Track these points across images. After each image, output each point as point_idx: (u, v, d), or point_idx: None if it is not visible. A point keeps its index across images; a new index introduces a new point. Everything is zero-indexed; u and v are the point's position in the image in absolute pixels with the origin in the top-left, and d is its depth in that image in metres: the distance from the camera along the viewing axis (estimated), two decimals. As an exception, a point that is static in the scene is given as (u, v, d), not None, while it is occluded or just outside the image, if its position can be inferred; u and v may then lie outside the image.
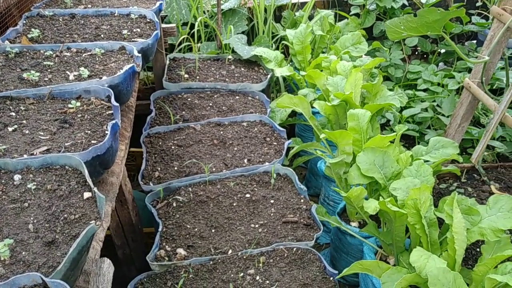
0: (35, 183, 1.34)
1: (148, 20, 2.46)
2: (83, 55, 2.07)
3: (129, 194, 2.08)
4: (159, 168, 2.16)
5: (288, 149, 2.74)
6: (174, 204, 1.97)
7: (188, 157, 2.21)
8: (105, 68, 1.94)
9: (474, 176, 2.68)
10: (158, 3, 2.61)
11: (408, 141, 3.16)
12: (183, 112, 2.59)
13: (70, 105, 1.70)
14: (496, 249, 1.67)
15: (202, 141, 2.33)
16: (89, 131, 1.57)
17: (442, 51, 3.73)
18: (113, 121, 1.51)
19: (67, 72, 1.93)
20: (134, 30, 2.33)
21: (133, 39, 2.23)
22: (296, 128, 3.42)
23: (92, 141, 1.51)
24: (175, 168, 2.15)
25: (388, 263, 2.16)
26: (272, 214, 1.92)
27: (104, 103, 1.74)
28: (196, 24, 3.27)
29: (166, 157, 2.22)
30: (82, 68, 1.90)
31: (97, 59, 2.03)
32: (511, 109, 2.96)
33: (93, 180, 1.57)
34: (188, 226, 1.86)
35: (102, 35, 2.28)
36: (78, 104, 1.71)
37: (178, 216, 1.92)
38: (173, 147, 2.28)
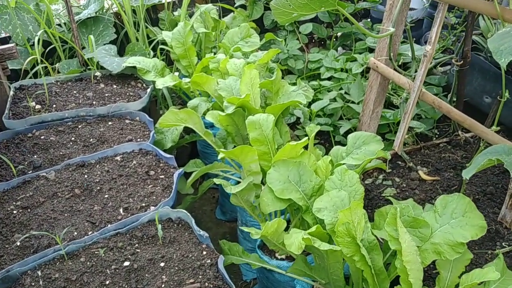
0: None
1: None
2: None
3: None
4: (-4, 247, 1.49)
5: (188, 174, 2.21)
6: (20, 300, 1.33)
7: (36, 223, 1.55)
8: None
9: (399, 164, 2.41)
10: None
11: (323, 137, 2.82)
12: (34, 157, 1.91)
13: None
14: (454, 263, 1.32)
15: (57, 194, 1.68)
16: None
17: (339, 34, 3.48)
18: None
19: None
20: None
21: None
22: (198, 145, 2.90)
23: None
24: (18, 243, 1.49)
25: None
26: (163, 286, 1.36)
27: None
28: (36, 39, 2.55)
29: (4, 229, 1.54)
30: None
31: None
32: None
33: None
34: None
35: None
36: None
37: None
38: (15, 212, 1.61)
